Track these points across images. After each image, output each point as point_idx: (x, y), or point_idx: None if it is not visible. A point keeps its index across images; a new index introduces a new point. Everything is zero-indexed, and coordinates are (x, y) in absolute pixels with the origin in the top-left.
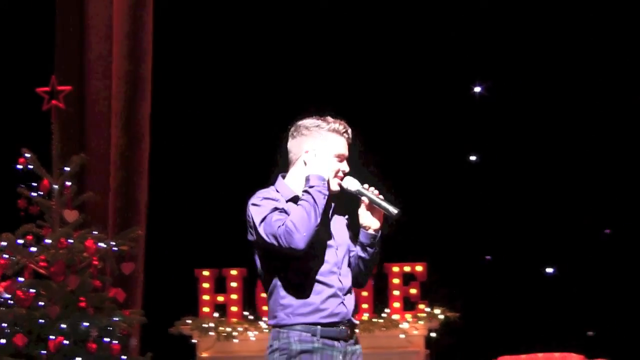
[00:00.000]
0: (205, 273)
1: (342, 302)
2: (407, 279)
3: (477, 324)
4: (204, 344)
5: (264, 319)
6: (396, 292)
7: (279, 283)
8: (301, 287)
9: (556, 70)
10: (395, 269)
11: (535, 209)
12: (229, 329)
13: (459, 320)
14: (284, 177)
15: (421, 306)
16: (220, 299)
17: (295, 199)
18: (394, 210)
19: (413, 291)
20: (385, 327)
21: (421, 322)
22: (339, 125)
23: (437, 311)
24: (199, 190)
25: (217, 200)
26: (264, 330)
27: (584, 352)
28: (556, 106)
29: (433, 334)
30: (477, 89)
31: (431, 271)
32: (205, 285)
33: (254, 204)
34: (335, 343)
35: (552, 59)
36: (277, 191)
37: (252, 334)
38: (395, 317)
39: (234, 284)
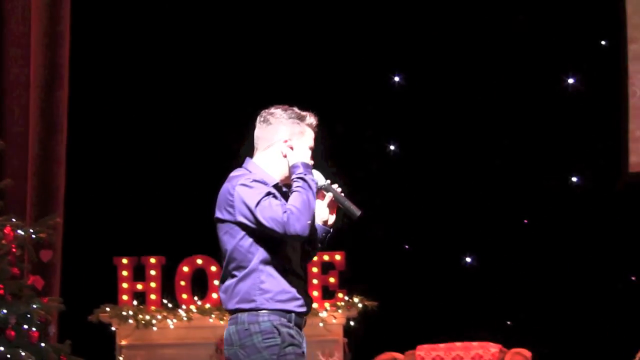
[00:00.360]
0: (124, 261)
1: (308, 295)
2: (326, 267)
3: (396, 313)
4: (123, 332)
5: (183, 306)
6: (315, 281)
7: (259, 267)
8: (282, 275)
9: (475, 60)
10: (314, 257)
11: (455, 198)
12: (148, 317)
13: (377, 309)
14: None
15: (340, 295)
16: (140, 287)
17: (276, 187)
18: (356, 211)
19: (332, 280)
20: None
21: (340, 311)
22: (314, 120)
23: (355, 300)
24: (118, 178)
25: (136, 188)
26: (184, 319)
27: (502, 342)
28: (475, 96)
29: (352, 323)
30: (397, 79)
31: (350, 260)
32: (124, 273)
33: (244, 185)
34: (301, 332)
35: (471, 49)
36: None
37: (171, 322)
38: (314, 305)
39: (153, 272)
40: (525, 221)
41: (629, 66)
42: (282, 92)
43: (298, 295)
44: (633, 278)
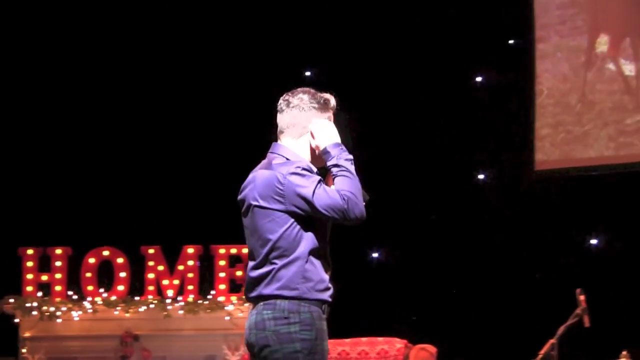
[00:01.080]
0: (30, 252)
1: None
2: (233, 261)
3: None
4: (27, 324)
5: (89, 298)
6: (222, 274)
7: (304, 256)
8: (320, 264)
9: (386, 55)
10: (222, 250)
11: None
12: (52, 309)
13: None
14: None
15: None
16: (45, 278)
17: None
18: (366, 195)
19: (239, 273)
20: (210, 308)
21: (246, 305)
22: (334, 102)
23: None
24: (23, 168)
25: (42, 178)
26: (88, 310)
27: (407, 337)
28: (380, 92)
29: None
30: (307, 73)
31: None
32: (29, 264)
33: (295, 173)
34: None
35: (382, 44)
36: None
37: (75, 314)
38: (221, 299)
39: (58, 263)
40: (433, 217)
41: (536, 65)
42: (186, 92)
43: (330, 285)
44: (537, 275)
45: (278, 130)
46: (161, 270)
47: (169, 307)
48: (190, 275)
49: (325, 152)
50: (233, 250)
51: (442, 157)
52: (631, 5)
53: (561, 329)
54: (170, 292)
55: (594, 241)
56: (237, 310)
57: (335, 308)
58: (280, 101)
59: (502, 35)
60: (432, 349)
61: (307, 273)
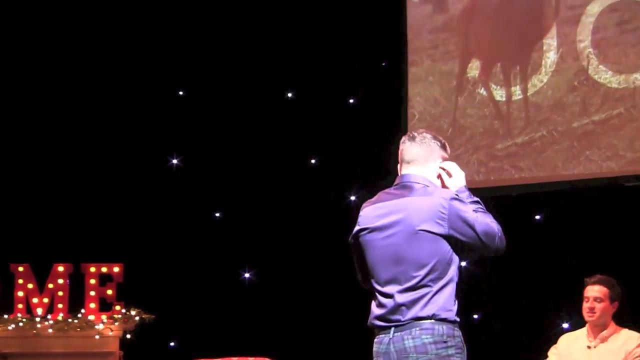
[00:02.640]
0: None
1: None
2: (104, 279)
3: (174, 327)
4: None
5: None
6: (92, 293)
7: (454, 279)
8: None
9: (258, 71)
10: (92, 269)
11: (234, 214)
12: None
13: (154, 322)
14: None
15: (117, 307)
16: None
17: None
18: None
19: (109, 292)
20: (80, 327)
21: (117, 324)
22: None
23: (132, 312)
24: None
25: None
26: None
27: (279, 357)
28: (259, 109)
29: (128, 336)
30: (181, 93)
31: (128, 272)
32: None
33: (456, 199)
34: None
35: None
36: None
37: None
38: (91, 317)
39: None
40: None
41: (408, 89)
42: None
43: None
44: None
45: (405, 161)
46: (31, 288)
47: (39, 326)
48: (60, 293)
49: (461, 191)
50: (104, 269)
51: (315, 178)
52: (502, 31)
53: None
54: (39, 311)
55: (463, 264)
56: (107, 329)
57: (207, 328)
58: (404, 137)
59: (374, 58)
60: None
61: (454, 296)
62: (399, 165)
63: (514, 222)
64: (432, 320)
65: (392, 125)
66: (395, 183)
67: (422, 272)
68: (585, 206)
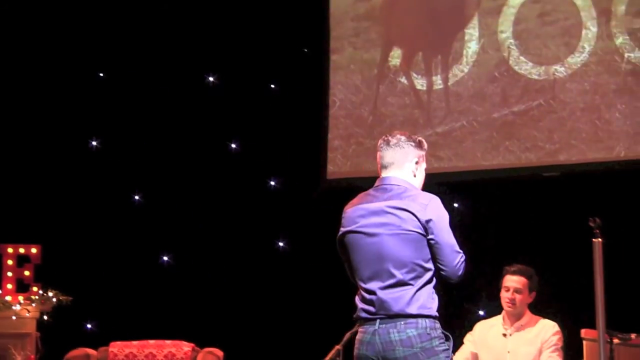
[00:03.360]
0: None
1: None
2: (22, 260)
3: (91, 309)
4: None
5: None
6: (9, 274)
7: (432, 279)
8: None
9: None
10: (10, 250)
11: (161, 195)
12: None
13: (72, 304)
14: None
15: (34, 288)
16: None
17: None
18: None
19: (27, 273)
20: None
21: (34, 305)
22: (426, 145)
23: (50, 294)
24: None
25: None
26: None
27: (195, 341)
28: (181, 97)
29: (45, 317)
30: (101, 75)
31: (46, 253)
32: None
33: (437, 202)
34: None
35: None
36: None
37: None
38: (8, 298)
39: None
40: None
41: (330, 76)
42: None
43: None
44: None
45: (383, 165)
46: None
47: None
48: None
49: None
50: (21, 250)
51: (235, 163)
52: (424, 20)
53: (347, 335)
54: None
55: None
56: (24, 310)
57: (124, 310)
58: (380, 141)
59: (297, 44)
60: (219, 352)
61: (433, 294)
62: (378, 168)
63: None
64: (415, 316)
65: (314, 112)
66: (375, 185)
67: (403, 271)
68: (504, 196)
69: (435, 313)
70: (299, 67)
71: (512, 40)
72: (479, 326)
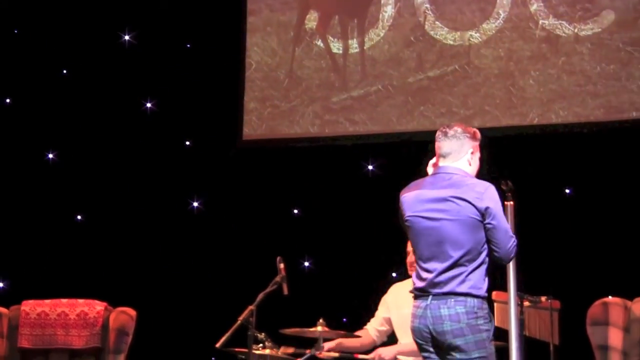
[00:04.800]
0: None
1: None
2: None
3: (2, 267)
4: None
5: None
6: None
7: (485, 261)
8: None
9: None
10: None
11: (76, 153)
12: None
13: None
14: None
15: None
16: None
17: None
18: None
19: None
20: None
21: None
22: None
23: None
24: None
25: None
26: None
27: (108, 300)
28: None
29: None
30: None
31: None
32: None
33: (492, 191)
34: None
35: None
36: None
37: None
38: None
39: None
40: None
41: (247, 38)
42: None
43: None
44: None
45: (441, 155)
46: None
47: None
48: None
49: None
50: None
51: (151, 122)
52: None
53: (260, 296)
54: None
55: (296, 211)
56: None
57: (37, 269)
58: (439, 132)
59: (213, 5)
60: (131, 312)
61: (485, 277)
62: (435, 159)
63: (347, 173)
64: (465, 295)
65: (230, 73)
66: (433, 173)
67: (459, 253)
68: (418, 160)
69: (484, 294)
70: (216, 28)
71: (427, 5)
72: (393, 289)
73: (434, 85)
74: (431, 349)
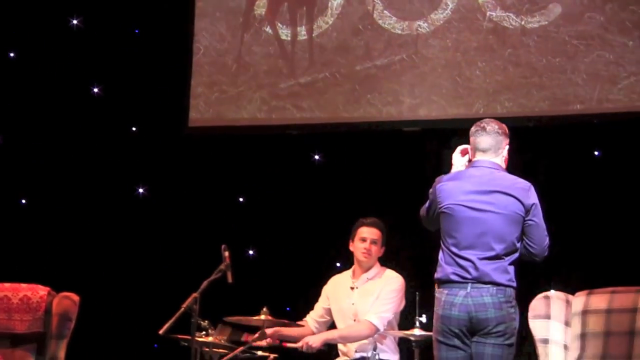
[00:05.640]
0: None
1: None
2: None
3: None
4: None
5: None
6: None
7: (518, 253)
8: None
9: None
10: None
11: (19, 137)
12: None
13: None
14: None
15: None
16: None
17: None
18: None
19: None
20: None
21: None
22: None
23: None
24: None
25: None
26: None
27: (51, 284)
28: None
29: None
30: None
31: None
32: None
33: (536, 194)
34: None
35: None
36: None
37: None
38: None
39: None
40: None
41: (195, 23)
42: None
43: None
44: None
45: (479, 149)
46: None
47: None
48: None
49: None
50: None
51: (98, 107)
52: None
53: (204, 284)
54: None
55: (241, 199)
56: None
57: None
58: (476, 127)
59: None
60: (75, 297)
61: (516, 268)
62: (471, 152)
63: (293, 162)
64: (505, 285)
65: (177, 58)
66: (474, 165)
67: (501, 246)
68: (364, 149)
69: (516, 285)
70: (164, 13)
71: None
72: (332, 280)
73: (381, 73)
74: (462, 337)
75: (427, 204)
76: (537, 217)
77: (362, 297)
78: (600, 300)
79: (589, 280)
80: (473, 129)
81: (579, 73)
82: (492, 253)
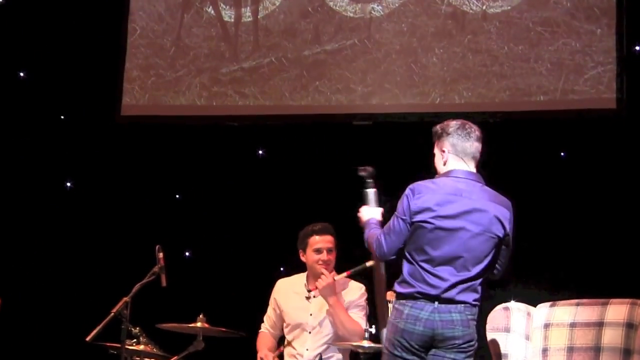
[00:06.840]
0: None
1: None
2: None
3: None
4: None
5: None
6: None
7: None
8: None
9: None
10: None
11: None
12: None
13: None
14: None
15: None
16: None
17: None
18: None
19: None
20: None
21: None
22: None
23: None
24: None
25: None
26: None
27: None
28: None
29: None
30: None
31: None
32: None
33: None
34: None
35: None
36: None
37: None
38: None
39: None
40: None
41: (131, 2)
42: None
43: None
44: None
45: (465, 153)
46: None
47: None
48: None
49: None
50: None
51: (25, 93)
52: None
53: (136, 287)
54: None
55: (177, 195)
56: None
57: None
58: (459, 129)
59: None
60: None
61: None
62: (442, 154)
63: (235, 155)
64: (472, 305)
65: (112, 40)
66: (457, 175)
67: (477, 267)
68: (311, 142)
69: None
70: None
71: None
72: (281, 285)
73: (331, 59)
74: (419, 353)
75: (392, 222)
76: (510, 243)
77: (322, 307)
78: (563, 312)
79: (552, 290)
80: (454, 129)
81: (542, 62)
82: (467, 274)
